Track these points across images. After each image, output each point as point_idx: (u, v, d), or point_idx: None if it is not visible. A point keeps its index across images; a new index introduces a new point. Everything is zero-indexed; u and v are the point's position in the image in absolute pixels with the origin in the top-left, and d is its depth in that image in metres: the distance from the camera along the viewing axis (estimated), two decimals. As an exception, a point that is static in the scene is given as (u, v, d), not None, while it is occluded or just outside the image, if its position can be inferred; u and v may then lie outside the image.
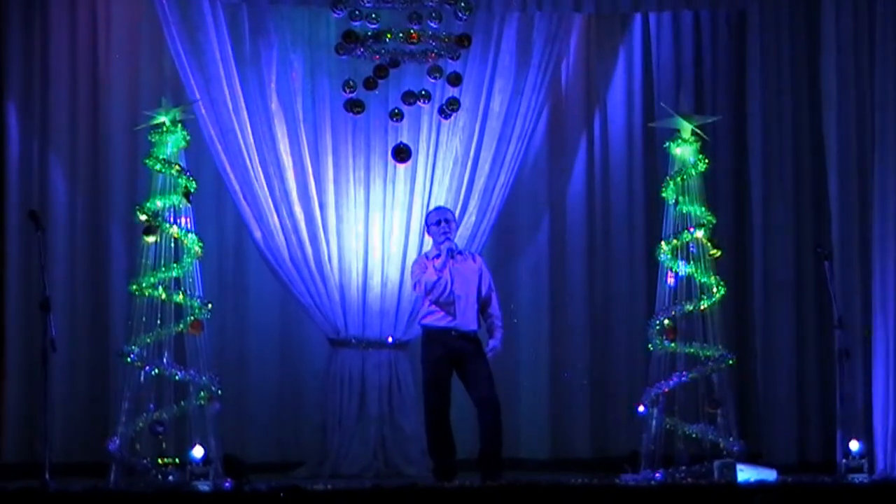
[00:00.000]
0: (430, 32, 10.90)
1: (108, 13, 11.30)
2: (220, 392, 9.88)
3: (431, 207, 10.85)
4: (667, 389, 10.17)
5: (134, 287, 9.82)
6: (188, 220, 9.94)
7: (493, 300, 10.22)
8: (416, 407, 10.73)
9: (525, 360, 11.69)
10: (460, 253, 10.22)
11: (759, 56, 11.28)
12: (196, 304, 9.85)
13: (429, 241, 10.54)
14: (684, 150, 10.39)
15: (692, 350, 10.23)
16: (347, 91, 10.96)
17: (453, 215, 10.41)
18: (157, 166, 9.89)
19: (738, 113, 11.61)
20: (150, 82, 11.18)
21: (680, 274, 10.26)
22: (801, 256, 11.23)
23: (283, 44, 11.23)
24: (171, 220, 9.87)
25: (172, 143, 9.98)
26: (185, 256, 9.88)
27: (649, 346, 10.33)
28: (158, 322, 9.80)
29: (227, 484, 9.48)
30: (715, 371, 10.23)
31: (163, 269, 9.81)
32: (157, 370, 9.76)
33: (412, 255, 11.02)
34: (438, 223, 10.16)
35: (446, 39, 10.94)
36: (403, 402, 11.11)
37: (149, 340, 9.78)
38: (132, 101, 11.12)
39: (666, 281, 10.31)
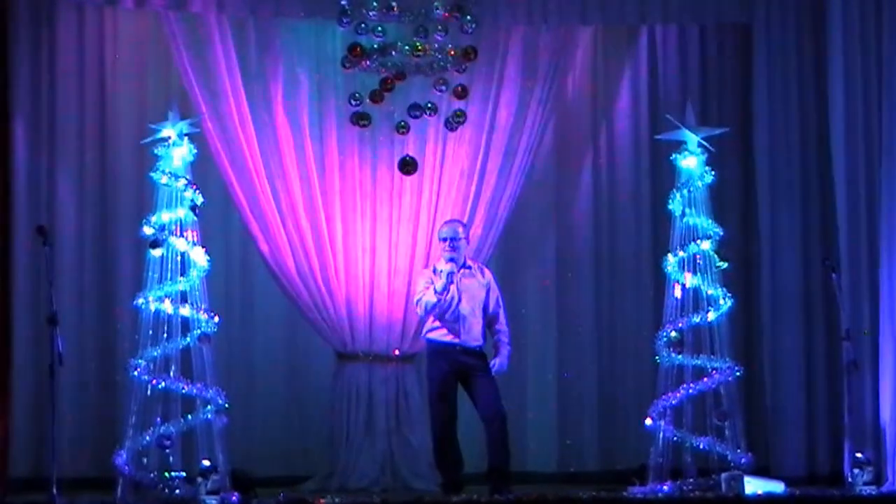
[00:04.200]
0: (437, 45, 10.92)
1: (115, 28, 11.32)
2: (227, 406, 9.85)
3: (441, 219, 10.84)
4: (674, 402, 10.15)
5: (140, 301, 9.82)
6: (195, 233, 9.92)
7: (500, 316, 10.21)
8: (424, 420, 10.70)
9: (532, 373, 11.67)
10: (468, 268, 10.20)
11: (765, 67, 11.29)
12: (203, 318, 9.84)
13: (436, 254, 10.54)
14: (690, 162, 10.36)
15: (699, 362, 10.21)
16: (353, 104, 10.99)
17: (465, 230, 10.36)
18: (164, 180, 9.89)
19: (745, 125, 11.60)
20: (156, 97, 11.19)
21: (687, 286, 10.24)
22: (809, 268, 11.22)
23: (289, 57, 11.24)
24: (178, 233, 9.86)
25: (179, 157, 9.96)
26: (191, 270, 9.87)
27: (656, 358, 10.30)
28: (165, 336, 9.80)
29: (234, 498, 9.47)
30: (722, 383, 10.20)
31: (169, 282, 9.80)
32: (163, 384, 9.74)
33: (419, 267, 11.01)
34: (445, 240, 10.15)
35: (452, 52, 10.96)
36: (411, 415, 11.09)
37: (155, 354, 9.77)
38: (139, 116, 11.11)
39: (673, 293, 10.29)
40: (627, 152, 11.89)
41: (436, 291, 10.00)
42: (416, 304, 10.20)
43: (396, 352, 11.16)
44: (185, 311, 9.81)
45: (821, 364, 11.17)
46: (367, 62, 10.89)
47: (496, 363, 10.09)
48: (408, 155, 11.11)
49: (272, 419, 11.44)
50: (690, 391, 10.14)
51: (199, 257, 9.88)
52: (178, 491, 9.52)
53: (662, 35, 11.88)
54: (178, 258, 9.86)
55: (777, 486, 10.08)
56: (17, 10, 10.96)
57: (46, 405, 9.54)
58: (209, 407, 9.77)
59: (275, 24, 11.16)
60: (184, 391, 9.77)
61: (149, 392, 9.72)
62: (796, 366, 11.13)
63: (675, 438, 10.14)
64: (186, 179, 9.92)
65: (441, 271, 10.07)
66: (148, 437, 9.69)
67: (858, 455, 10.01)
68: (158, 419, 9.72)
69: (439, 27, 10.84)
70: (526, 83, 11.35)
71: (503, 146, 11.33)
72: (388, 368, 11.15)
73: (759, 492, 9.84)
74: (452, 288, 10.01)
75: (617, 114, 11.93)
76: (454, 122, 11.12)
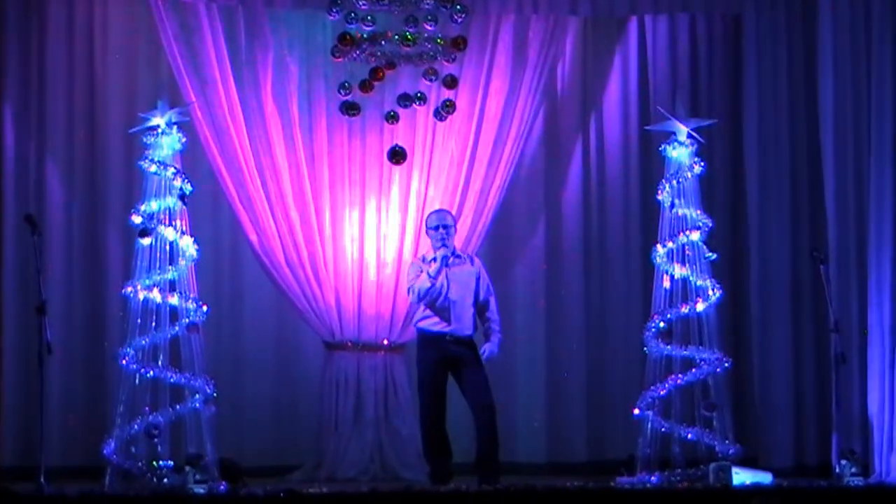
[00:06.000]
0: (426, 35, 10.91)
1: (104, 16, 11.28)
2: (215, 395, 9.86)
3: (430, 210, 10.81)
4: (663, 393, 10.15)
5: (129, 290, 9.80)
6: (183, 222, 9.92)
7: (491, 304, 10.21)
8: (412, 410, 10.71)
9: (521, 364, 11.67)
10: (458, 256, 10.22)
11: (755, 59, 11.29)
12: (191, 307, 9.84)
13: (425, 243, 10.53)
14: (680, 153, 10.37)
15: (688, 353, 10.21)
16: (343, 93, 10.98)
17: (453, 219, 10.39)
18: (153, 169, 9.87)
19: (734, 116, 11.61)
20: (146, 85, 11.16)
21: (676, 277, 10.25)
22: (798, 259, 11.23)
23: (278, 46, 11.22)
24: (167, 222, 9.85)
25: (168, 146, 9.95)
26: (180, 259, 9.86)
27: (645, 349, 10.31)
28: (154, 325, 9.79)
29: (222, 487, 9.47)
30: (711, 374, 10.20)
31: (158, 271, 9.79)
32: (152, 373, 9.73)
33: (407, 257, 11.01)
34: (437, 228, 10.15)
35: (442, 42, 10.95)
36: (399, 405, 11.09)
37: (144, 343, 9.76)
38: (128, 104, 11.09)
39: (661, 284, 10.29)
40: (617, 142, 11.89)
41: (429, 275, 10.00)
42: (409, 291, 10.20)
43: (385, 341, 11.15)
44: (174, 300, 9.80)
45: (809, 356, 11.19)
46: (357, 51, 10.88)
47: (487, 349, 10.09)
48: (397, 144, 11.11)
49: (261, 408, 11.42)
50: (679, 382, 10.15)
51: (188, 246, 9.87)
52: (166, 480, 9.51)
53: (652, 25, 11.87)
54: (167, 247, 9.85)
55: (765, 477, 10.09)
56: (7, -3, 10.95)
57: (35, 394, 9.52)
58: (197, 396, 9.77)
59: (264, 13, 11.14)
60: (172, 380, 9.77)
61: (137, 381, 9.72)
62: (785, 357, 11.15)
63: (663, 429, 10.15)
64: (175, 168, 9.91)
65: (433, 258, 10.07)
66: (136, 427, 9.68)
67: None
68: (147, 408, 9.72)
69: (429, 17, 10.82)
70: (515, 73, 11.34)
71: (492, 136, 11.32)
72: (376, 358, 11.14)
73: (747, 482, 9.86)
74: (441, 276, 10.01)
75: (606, 104, 11.93)
76: (443, 111, 11.12)
